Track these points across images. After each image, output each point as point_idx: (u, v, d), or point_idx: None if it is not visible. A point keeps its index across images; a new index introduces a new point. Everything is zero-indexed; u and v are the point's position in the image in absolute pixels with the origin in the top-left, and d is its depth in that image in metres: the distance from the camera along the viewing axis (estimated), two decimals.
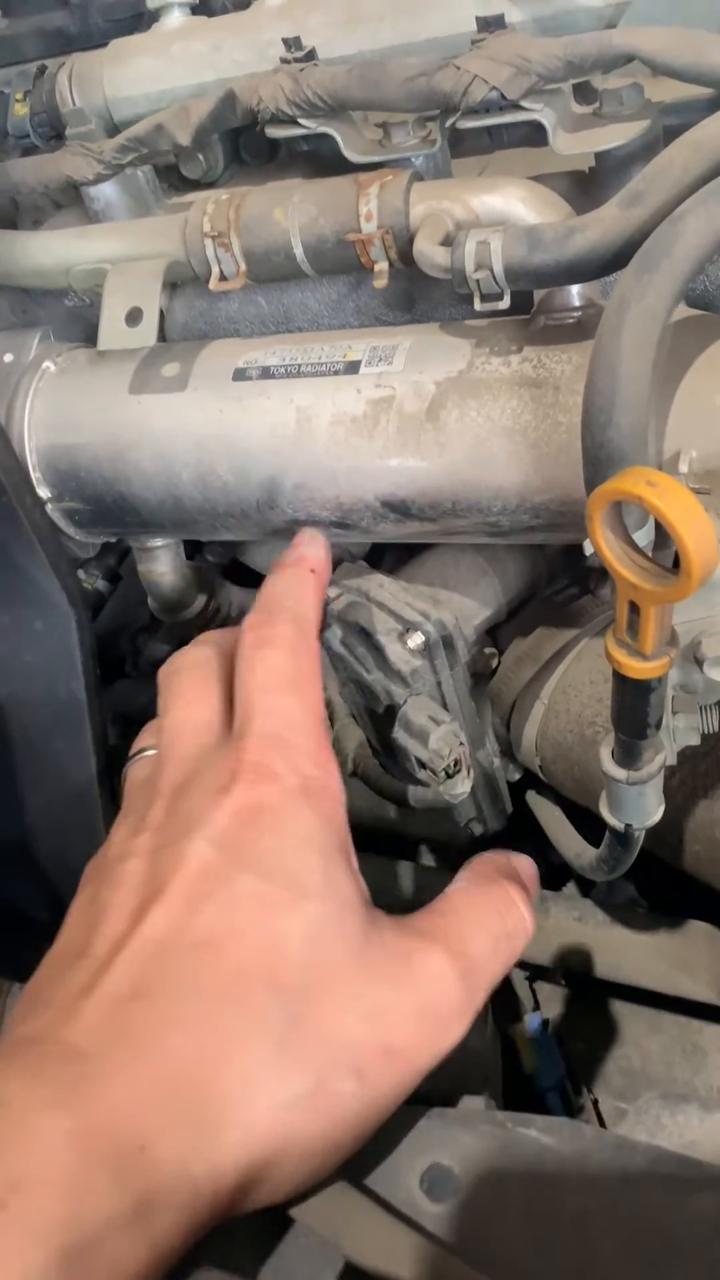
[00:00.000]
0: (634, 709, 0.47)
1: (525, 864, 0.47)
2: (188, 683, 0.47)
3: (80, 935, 0.39)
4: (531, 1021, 0.81)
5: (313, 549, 0.51)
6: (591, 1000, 0.85)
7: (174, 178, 0.80)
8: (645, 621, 0.43)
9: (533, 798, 0.84)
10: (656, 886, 0.88)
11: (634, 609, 0.43)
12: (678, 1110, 0.55)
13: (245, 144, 0.75)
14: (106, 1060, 0.34)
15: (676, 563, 0.40)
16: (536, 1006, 0.85)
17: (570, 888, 0.94)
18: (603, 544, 0.42)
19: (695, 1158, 0.52)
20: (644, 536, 0.48)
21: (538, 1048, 0.79)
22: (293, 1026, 0.36)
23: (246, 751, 0.41)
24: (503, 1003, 0.84)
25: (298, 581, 0.50)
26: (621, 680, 0.46)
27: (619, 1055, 0.82)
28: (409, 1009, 0.39)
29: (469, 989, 0.41)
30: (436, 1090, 0.56)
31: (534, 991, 0.86)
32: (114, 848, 0.43)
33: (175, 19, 0.71)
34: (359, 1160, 0.45)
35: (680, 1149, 0.53)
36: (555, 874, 0.97)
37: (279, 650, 0.45)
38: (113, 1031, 0.35)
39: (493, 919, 0.43)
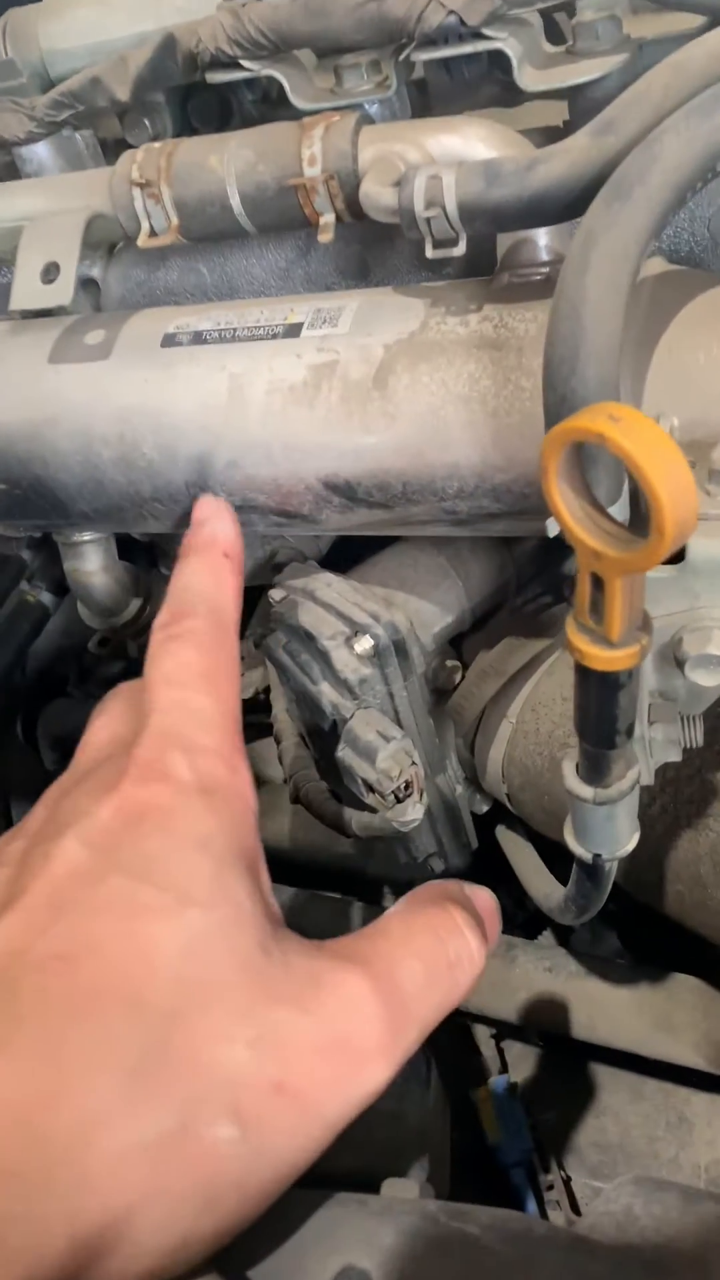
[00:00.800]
0: (600, 710, 0.39)
1: (482, 894, 0.40)
2: (108, 706, 0.43)
3: None
4: (496, 1086, 0.72)
5: (221, 526, 0.44)
6: (565, 1062, 0.76)
7: (122, 149, 0.74)
8: (611, 598, 0.35)
9: (502, 832, 0.75)
10: (644, 937, 0.80)
11: (597, 584, 0.36)
12: (654, 1198, 0.46)
13: (194, 108, 0.69)
14: None
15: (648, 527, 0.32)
16: (503, 1069, 0.76)
17: (546, 936, 0.85)
18: (558, 499, 0.34)
19: (668, 1263, 0.43)
20: (619, 512, 0.41)
21: (502, 1116, 0.70)
22: (153, 1054, 0.30)
23: (140, 748, 0.36)
24: (464, 1064, 0.75)
25: (208, 569, 0.44)
26: (584, 675, 0.38)
27: (595, 1126, 0.73)
28: (312, 1039, 0.32)
29: (394, 1023, 0.33)
30: (360, 1170, 0.47)
31: (500, 1051, 0.77)
32: None
33: None
34: (249, 1256, 0.37)
35: (655, 1247, 0.44)
36: (534, 922, 0.88)
37: (187, 644, 0.40)
38: None
39: (430, 943, 0.36)
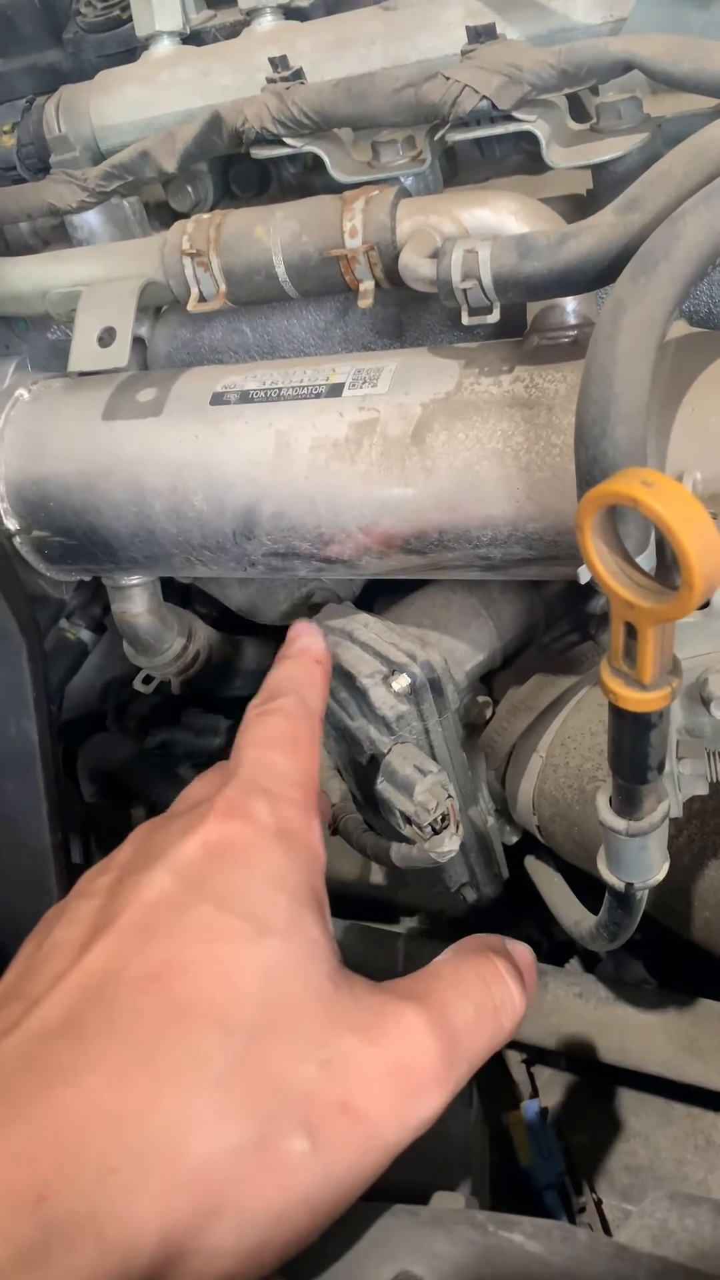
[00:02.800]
0: (633, 748, 0.42)
1: (521, 949, 0.43)
2: (206, 773, 0.46)
3: (17, 978, 0.37)
4: (528, 1110, 0.74)
5: (313, 641, 0.49)
6: (595, 1087, 0.77)
7: (165, 213, 0.78)
8: (643, 645, 0.38)
9: (531, 863, 0.78)
10: (668, 963, 0.82)
11: (630, 632, 0.39)
12: (688, 1213, 0.48)
13: (235, 176, 0.73)
14: (12, 1101, 0.31)
15: (676, 578, 0.35)
16: (534, 1093, 0.78)
17: (573, 964, 0.87)
18: (594, 556, 0.37)
19: (706, 1272, 0.45)
20: (645, 562, 0.44)
21: (534, 1139, 0.72)
22: (237, 1069, 0.32)
23: (228, 790, 0.40)
24: (496, 1088, 0.77)
25: (302, 669, 0.48)
26: (619, 715, 0.41)
27: (625, 1150, 0.75)
28: (377, 1066, 0.35)
29: (448, 1056, 0.36)
30: (410, 1184, 0.49)
31: (531, 1076, 0.79)
32: (76, 887, 0.41)
33: (164, 48, 0.70)
34: (311, 1263, 0.39)
35: (690, 1260, 0.46)
36: (560, 950, 0.90)
37: (276, 716, 0.44)
38: (27, 1070, 0.32)
39: (478, 987, 0.39)
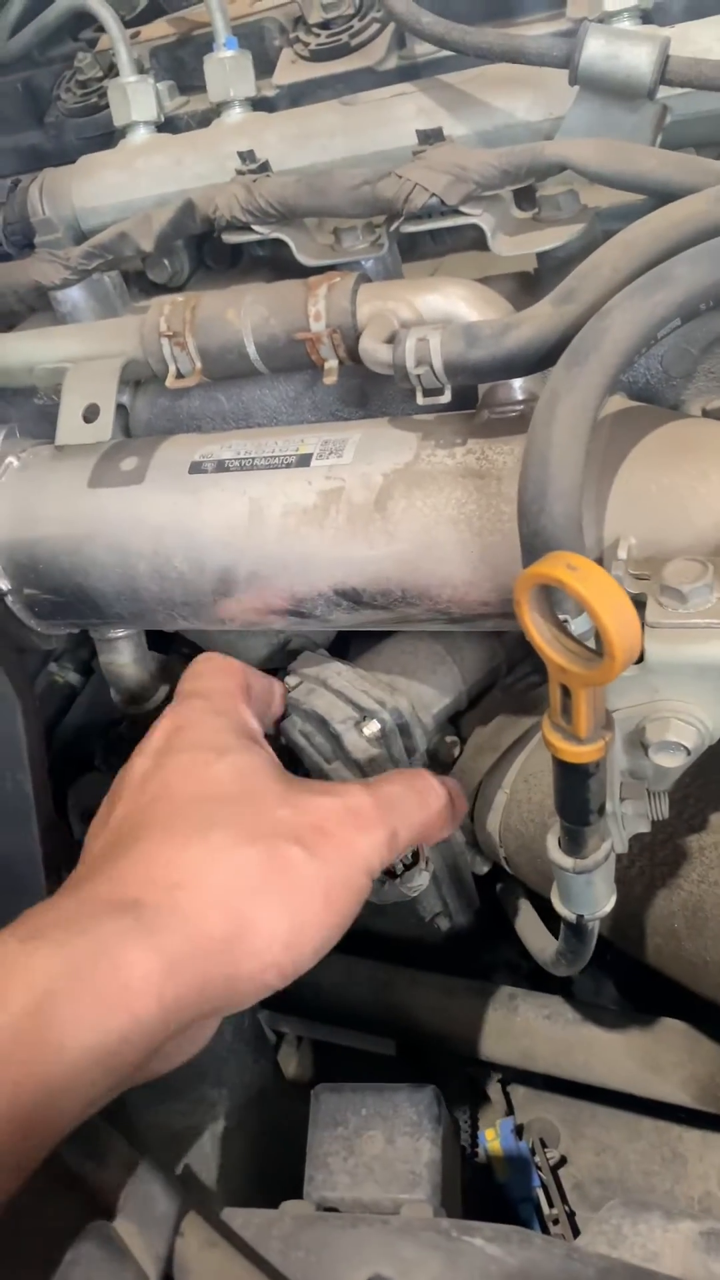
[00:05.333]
0: (575, 794, 0.46)
1: (452, 781, 0.59)
2: None
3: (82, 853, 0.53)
4: (503, 1128, 0.77)
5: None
6: (567, 1104, 0.81)
7: (143, 283, 0.83)
8: (577, 705, 0.43)
9: (502, 891, 0.82)
10: (644, 982, 0.86)
11: (566, 693, 0.43)
12: (640, 1219, 0.52)
13: (208, 250, 0.78)
14: (94, 872, 0.47)
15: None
16: (509, 1111, 0.82)
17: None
18: (531, 627, 0.42)
19: (653, 1271, 0.49)
20: (584, 623, 0.48)
21: (509, 1156, 0.76)
22: (235, 819, 0.48)
23: (177, 697, 0.58)
24: (474, 1108, 0.81)
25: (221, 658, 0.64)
26: (560, 765, 0.46)
27: (595, 1164, 0.79)
28: (332, 806, 0.51)
29: (383, 808, 0.52)
30: (383, 1199, 0.54)
31: (507, 1095, 0.83)
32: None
33: (141, 136, 0.75)
34: (297, 1266, 0.43)
35: (641, 1261, 0.50)
36: (540, 973, 0.94)
37: (209, 659, 0.62)
38: (103, 863, 0.47)
39: (406, 777, 0.56)
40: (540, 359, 0.52)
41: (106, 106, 0.79)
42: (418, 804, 0.55)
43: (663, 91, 0.58)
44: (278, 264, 0.75)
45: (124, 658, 0.75)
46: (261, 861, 0.47)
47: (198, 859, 0.46)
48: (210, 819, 0.48)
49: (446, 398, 0.55)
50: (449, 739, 0.74)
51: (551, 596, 0.42)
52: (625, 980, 0.88)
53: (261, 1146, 0.59)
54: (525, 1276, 0.44)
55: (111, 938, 0.42)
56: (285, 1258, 0.44)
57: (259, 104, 0.73)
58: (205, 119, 0.75)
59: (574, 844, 0.49)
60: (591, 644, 0.42)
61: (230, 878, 0.46)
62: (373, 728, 0.66)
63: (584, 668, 0.41)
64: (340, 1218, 0.46)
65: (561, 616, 0.43)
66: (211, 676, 0.60)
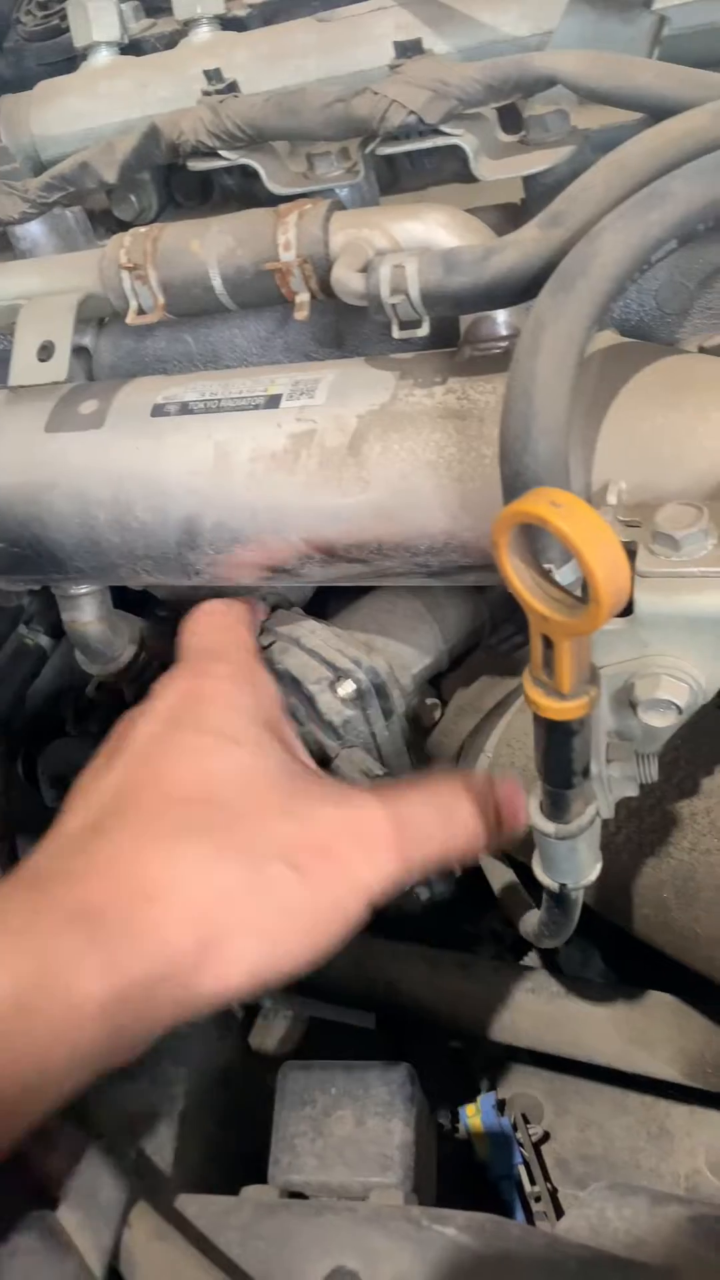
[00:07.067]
0: (557, 755, 0.43)
1: (508, 785, 0.50)
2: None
3: (66, 807, 0.48)
4: (484, 1103, 0.75)
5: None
6: (550, 1079, 0.79)
7: (110, 222, 0.78)
8: (560, 657, 0.39)
9: (486, 860, 0.79)
10: (631, 954, 0.83)
11: (548, 644, 0.40)
12: (625, 1203, 0.50)
13: (178, 185, 0.74)
14: (60, 865, 0.43)
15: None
16: (491, 1087, 0.79)
17: (533, 957, 0.89)
18: (510, 571, 0.38)
19: (638, 1262, 0.46)
20: (571, 573, 0.45)
21: (490, 1132, 0.74)
22: (227, 829, 0.43)
23: (190, 658, 0.54)
24: (453, 1082, 0.78)
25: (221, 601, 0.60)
26: (541, 723, 0.42)
27: (580, 1139, 0.76)
28: (341, 821, 0.45)
29: (399, 832, 0.46)
30: (353, 1182, 0.51)
31: (488, 1069, 0.80)
32: (88, 766, 0.51)
33: (103, 58, 0.70)
34: (255, 1258, 0.41)
35: (626, 1247, 0.48)
36: (524, 943, 0.91)
37: (211, 612, 0.58)
38: (73, 852, 0.43)
39: (436, 796, 0.49)
40: (525, 287, 0.48)
41: (68, 29, 0.74)
42: (441, 824, 0.48)
43: (660, 1, 0.54)
44: (249, 198, 0.71)
45: (87, 615, 0.71)
46: (243, 879, 0.42)
47: (173, 869, 0.42)
48: (197, 823, 0.44)
49: (424, 330, 0.51)
50: (429, 701, 0.71)
51: (535, 541, 0.39)
52: (614, 951, 0.85)
53: (225, 1127, 0.56)
54: (501, 1268, 0.42)
55: (64, 961, 0.38)
56: (243, 1248, 0.41)
57: (229, 24, 0.68)
58: (172, 41, 0.71)
59: (556, 808, 0.46)
60: (578, 593, 0.39)
61: (205, 894, 0.42)
62: (347, 688, 0.62)
63: (567, 616, 0.37)
64: (304, 1205, 0.43)
65: (546, 566, 0.39)
66: (228, 630, 0.55)
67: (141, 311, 0.61)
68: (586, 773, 0.44)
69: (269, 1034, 0.69)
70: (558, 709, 0.40)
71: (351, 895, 0.43)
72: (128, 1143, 0.47)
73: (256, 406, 0.58)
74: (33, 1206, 0.39)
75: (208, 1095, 0.55)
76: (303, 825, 0.44)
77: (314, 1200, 0.42)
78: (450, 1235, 0.42)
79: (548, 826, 0.46)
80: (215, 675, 0.51)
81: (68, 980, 0.37)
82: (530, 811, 0.47)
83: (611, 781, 0.49)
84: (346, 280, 0.52)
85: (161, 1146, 0.48)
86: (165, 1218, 0.40)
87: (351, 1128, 0.50)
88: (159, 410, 0.60)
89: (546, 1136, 0.76)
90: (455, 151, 0.62)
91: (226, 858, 0.42)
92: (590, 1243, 0.46)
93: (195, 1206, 0.42)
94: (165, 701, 0.50)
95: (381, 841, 0.45)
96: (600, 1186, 0.50)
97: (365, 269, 0.53)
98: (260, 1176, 0.52)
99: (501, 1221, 0.43)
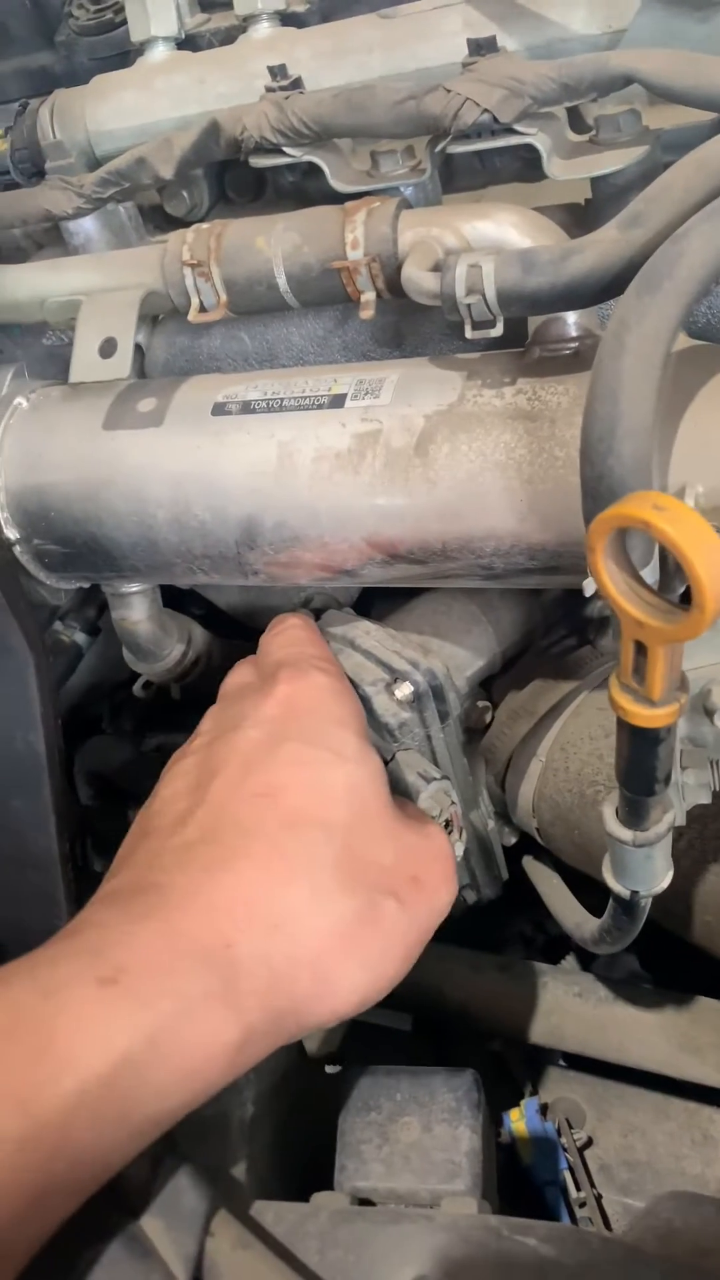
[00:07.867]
0: (641, 762, 0.43)
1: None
2: (234, 670, 0.59)
3: (141, 831, 0.47)
4: (528, 1108, 0.74)
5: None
6: (593, 1084, 0.78)
7: (159, 218, 0.78)
8: (653, 664, 0.39)
9: (530, 863, 0.79)
10: (660, 960, 0.83)
11: (640, 650, 0.39)
12: (693, 1212, 0.49)
13: (231, 181, 0.73)
14: (186, 885, 0.42)
15: (686, 598, 0.36)
16: (534, 1092, 0.79)
17: (570, 961, 0.88)
18: (605, 577, 0.38)
19: (712, 1271, 0.46)
20: (649, 575, 0.44)
21: (535, 1137, 0.73)
22: (342, 858, 0.45)
23: (283, 667, 0.53)
24: (498, 1087, 0.78)
25: (298, 617, 0.62)
26: (627, 730, 0.42)
27: (623, 1145, 0.76)
28: (430, 851, 0.49)
29: (452, 857, 0.51)
30: (421, 1190, 0.50)
31: (532, 1075, 0.80)
32: (167, 768, 0.51)
33: (160, 53, 0.70)
34: (335, 1267, 0.40)
35: (695, 1257, 0.47)
36: (554, 946, 0.91)
37: (293, 627, 0.59)
38: (189, 867, 0.43)
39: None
40: (604, 288, 0.48)
41: (122, 23, 0.73)
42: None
43: None
44: (305, 195, 0.70)
45: (137, 614, 0.71)
46: (359, 914, 0.44)
47: (301, 901, 0.43)
48: (321, 854, 0.45)
49: (498, 331, 0.51)
50: (481, 704, 0.70)
51: (625, 543, 0.38)
52: (645, 957, 0.85)
53: (288, 1132, 0.56)
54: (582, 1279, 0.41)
55: (197, 1002, 0.39)
56: (322, 1257, 0.41)
57: (289, 19, 0.68)
58: (229, 37, 0.70)
59: (635, 815, 0.45)
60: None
61: (327, 930, 0.43)
62: (405, 690, 0.62)
63: (664, 622, 0.37)
64: (380, 1212, 0.42)
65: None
66: (314, 644, 0.56)
67: (203, 309, 0.60)
68: (668, 780, 0.44)
69: (310, 1037, 0.69)
70: (647, 716, 0.40)
71: (434, 919, 0.47)
72: (201, 1150, 0.46)
73: (320, 406, 0.57)
74: (115, 1215, 0.38)
75: (272, 1099, 0.55)
76: (398, 854, 0.47)
77: (388, 1207, 0.42)
78: (531, 1246, 0.41)
79: (624, 834, 0.46)
80: (315, 685, 0.51)
81: (201, 1024, 0.38)
82: (605, 819, 0.47)
83: (685, 788, 0.48)
84: (419, 280, 0.52)
85: (234, 1152, 0.48)
86: (246, 1226, 0.40)
87: (418, 1134, 0.49)
88: (219, 409, 0.60)
89: (589, 1142, 0.76)
90: (518, 151, 0.62)
91: (345, 889, 0.44)
92: (660, 1254, 0.46)
93: (271, 1214, 0.42)
94: (264, 708, 0.50)
95: (449, 867, 0.49)
96: (665, 1196, 0.49)
97: (436, 268, 0.52)
98: (317, 1182, 0.52)
99: (581, 1233, 0.43)
